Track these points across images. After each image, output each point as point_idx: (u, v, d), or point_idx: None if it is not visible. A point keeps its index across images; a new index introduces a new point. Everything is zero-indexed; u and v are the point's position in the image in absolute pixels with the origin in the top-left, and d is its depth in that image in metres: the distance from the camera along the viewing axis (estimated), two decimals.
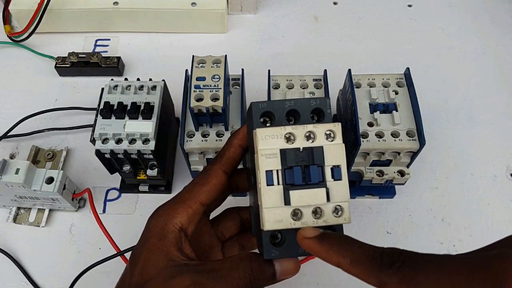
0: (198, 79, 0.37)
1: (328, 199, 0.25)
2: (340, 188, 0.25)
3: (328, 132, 0.25)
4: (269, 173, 0.25)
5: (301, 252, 0.25)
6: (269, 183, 0.24)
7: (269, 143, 0.25)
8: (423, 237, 0.44)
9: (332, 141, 0.25)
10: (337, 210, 0.25)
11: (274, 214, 0.24)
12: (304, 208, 0.25)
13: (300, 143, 0.25)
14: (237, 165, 0.30)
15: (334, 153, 0.25)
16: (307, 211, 0.25)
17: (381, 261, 0.21)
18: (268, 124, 0.26)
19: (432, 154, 0.48)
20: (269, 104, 0.26)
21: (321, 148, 0.25)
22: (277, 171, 0.25)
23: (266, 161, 0.24)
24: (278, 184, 0.25)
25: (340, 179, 0.25)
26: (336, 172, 0.25)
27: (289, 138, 0.25)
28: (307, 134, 0.25)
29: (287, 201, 0.24)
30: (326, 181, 0.25)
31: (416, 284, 0.19)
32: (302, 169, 0.25)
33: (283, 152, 0.25)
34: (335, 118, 0.47)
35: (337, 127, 0.25)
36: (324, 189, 0.24)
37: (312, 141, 0.25)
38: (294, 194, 0.24)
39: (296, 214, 0.25)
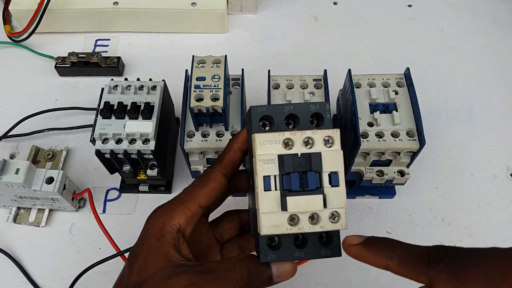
0: (198, 79, 0.37)
1: (325, 205, 0.25)
2: (337, 195, 0.25)
3: (326, 138, 0.25)
4: (266, 179, 0.24)
5: (297, 255, 0.25)
6: (267, 188, 0.24)
7: (267, 148, 0.25)
8: (423, 237, 0.44)
9: (330, 147, 0.25)
10: (334, 216, 0.25)
11: (271, 219, 0.24)
12: (301, 214, 0.25)
13: (298, 148, 0.25)
14: (237, 168, 0.30)
15: (332, 160, 0.25)
16: (304, 216, 0.25)
17: (429, 259, 0.21)
18: (267, 128, 0.26)
19: (432, 154, 0.48)
20: (268, 108, 0.26)
21: (319, 155, 0.25)
22: (275, 176, 0.25)
23: (264, 167, 0.24)
24: (276, 189, 0.25)
25: (337, 186, 0.25)
26: (333, 179, 0.25)
27: (287, 143, 0.25)
28: (306, 140, 0.25)
29: (284, 207, 0.24)
30: (324, 187, 0.25)
31: (466, 278, 0.20)
32: (300, 175, 0.25)
33: (281, 158, 0.25)
34: (335, 118, 0.47)
35: (335, 133, 0.25)
36: (321, 196, 0.24)
37: (310, 147, 0.25)
38: (291, 200, 0.24)
39: (293, 219, 0.25)
